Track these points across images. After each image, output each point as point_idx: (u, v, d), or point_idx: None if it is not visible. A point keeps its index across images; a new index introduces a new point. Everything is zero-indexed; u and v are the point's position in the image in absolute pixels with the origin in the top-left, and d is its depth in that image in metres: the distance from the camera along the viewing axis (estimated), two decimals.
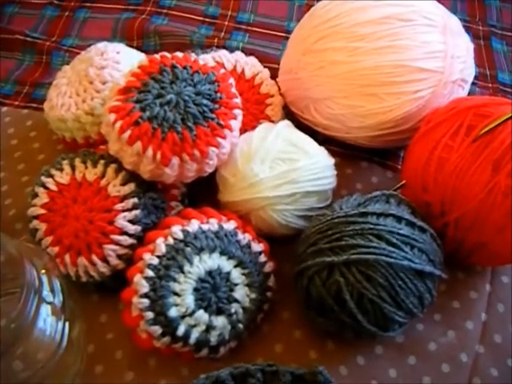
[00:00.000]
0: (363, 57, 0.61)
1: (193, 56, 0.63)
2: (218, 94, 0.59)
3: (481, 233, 0.55)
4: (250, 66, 0.70)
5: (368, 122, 0.63)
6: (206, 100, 0.58)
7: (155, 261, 0.54)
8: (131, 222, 0.58)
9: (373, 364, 0.58)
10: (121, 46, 0.71)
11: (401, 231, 0.53)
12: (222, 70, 0.62)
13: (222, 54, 0.70)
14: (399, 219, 0.54)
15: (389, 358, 0.58)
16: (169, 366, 0.58)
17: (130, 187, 0.59)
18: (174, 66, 0.59)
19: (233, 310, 0.55)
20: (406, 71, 0.61)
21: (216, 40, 0.82)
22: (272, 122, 0.68)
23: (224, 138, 0.58)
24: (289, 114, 0.71)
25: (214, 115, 0.58)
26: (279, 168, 0.59)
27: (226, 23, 0.87)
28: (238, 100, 0.61)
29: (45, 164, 0.71)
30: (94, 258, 0.57)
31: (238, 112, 0.60)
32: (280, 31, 0.87)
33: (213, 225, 0.57)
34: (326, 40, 0.63)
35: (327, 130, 0.67)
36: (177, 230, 0.56)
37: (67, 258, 0.58)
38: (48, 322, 0.51)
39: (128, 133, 0.56)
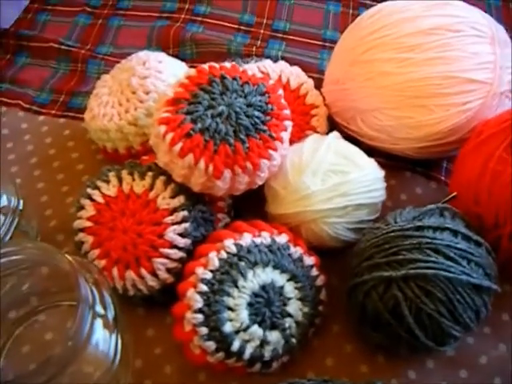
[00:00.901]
0: (412, 68, 0.61)
1: (239, 66, 0.63)
2: (269, 106, 0.59)
3: None
4: (295, 76, 0.70)
5: (416, 133, 0.63)
6: (257, 112, 0.58)
7: (209, 275, 0.54)
8: (181, 235, 0.58)
9: (424, 378, 0.57)
10: (162, 56, 0.71)
11: (458, 245, 0.52)
12: (271, 81, 0.62)
13: (267, 64, 0.70)
14: (455, 233, 0.54)
15: (440, 371, 0.58)
16: (219, 381, 0.57)
17: (180, 200, 0.58)
18: (223, 77, 0.59)
19: (287, 325, 0.55)
20: (456, 82, 0.60)
21: (254, 49, 0.82)
22: (317, 132, 0.68)
23: (275, 150, 0.58)
24: (333, 124, 0.70)
25: (265, 127, 0.58)
26: (331, 181, 0.59)
27: (262, 31, 0.87)
28: (288, 111, 0.60)
29: (85, 174, 0.72)
30: (143, 271, 0.57)
31: (289, 123, 0.60)
32: (316, 39, 0.86)
33: (265, 238, 0.57)
34: (374, 51, 0.63)
35: (372, 140, 0.67)
36: (230, 243, 0.55)
37: (115, 271, 0.58)
38: (101, 337, 0.50)
39: (180, 145, 0.56)
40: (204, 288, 0.53)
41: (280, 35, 0.87)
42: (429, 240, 0.52)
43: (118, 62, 0.73)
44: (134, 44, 0.85)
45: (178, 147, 0.56)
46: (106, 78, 0.72)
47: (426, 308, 0.51)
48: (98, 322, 0.50)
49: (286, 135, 0.59)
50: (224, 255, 0.55)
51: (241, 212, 0.65)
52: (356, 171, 0.59)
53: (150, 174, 0.60)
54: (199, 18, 0.89)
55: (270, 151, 0.58)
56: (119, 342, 0.52)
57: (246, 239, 0.56)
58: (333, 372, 0.57)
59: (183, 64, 0.73)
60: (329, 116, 0.70)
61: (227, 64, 0.62)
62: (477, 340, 0.59)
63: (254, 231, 0.57)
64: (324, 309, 0.59)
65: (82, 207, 0.61)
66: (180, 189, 0.59)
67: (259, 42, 0.85)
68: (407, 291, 0.51)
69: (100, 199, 0.60)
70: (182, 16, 0.89)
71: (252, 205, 0.64)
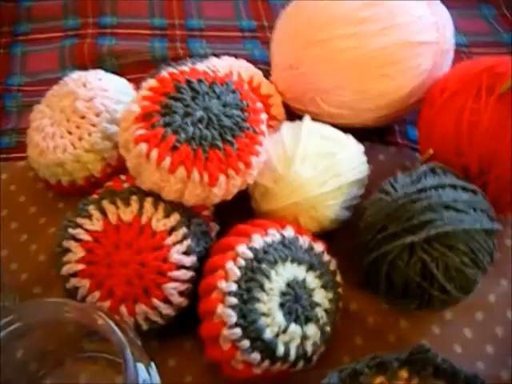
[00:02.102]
0: (368, 40, 0.62)
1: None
2: (244, 102, 0.57)
3: None
4: (245, 69, 0.69)
5: (379, 102, 0.65)
6: (235, 110, 0.56)
7: (234, 286, 0.51)
8: (185, 253, 0.55)
9: (448, 330, 0.60)
10: (100, 73, 0.67)
11: (462, 197, 0.55)
12: (234, 77, 0.60)
13: (214, 63, 0.68)
14: (454, 187, 0.56)
15: (459, 320, 0.60)
16: None
17: (176, 218, 0.55)
18: (189, 81, 0.56)
19: (319, 315, 0.54)
20: (409, 47, 0.63)
21: (180, 51, 0.79)
22: (278, 121, 0.67)
23: (261, 145, 0.57)
24: (287, 110, 0.71)
25: (248, 124, 0.56)
26: (321, 164, 0.59)
27: (178, 32, 0.84)
28: (260, 104, 0.59)
29: (40, 217, 0.66)
30: (155, 301, 0.53)
31: (265, 116, 0.59)
32: (235, 31, 0.86)
33: (274, 235, 0.55)
34: (326, 30, 0.63)
35: (332, 118, 0.67)
36: (244, 249, 0.53)
37: (123, 309, 0.53)
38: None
39: (168, 160, 0.52)
40: (234, 301, 0.51)
41: (197, 33, 0.85)
42: (437, 199, 0.54)
43: (37, 91, 0.68)
44: (46, 68, 0.79)
45: (167, 162, 0.53)
46: (40, 108, 0.66)
47: (453, 263, 0.53)
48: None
49: (264, 128, 0.58)
50: (242, 262, 0.53)
51: (223, 217, 0.63)
52: (342, 150, 0.60)
53: (134, 197, 0.56)
54: (108, 30, 0.84)
55: (257, 147, 0.56)
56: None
57: (258, 241, 0.54)
58: (365, 349, 0.58)
59: (120, 78, 0.68)
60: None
61: (185, 67, 0.59)
62: (482, 281, 0.61)
63: (260, 231, 0.56)
64: (342, 291, 0.59)
65: (66, 250, 0.55)
66: (172, 206, 0.56)
67: (179, 44, 0.83)
68: (432, 251, 0.53)
69: (87, 237, 0.55)
70: (90, 31, 0.84)
71: (231, 207, 0.62)
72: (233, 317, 0.50)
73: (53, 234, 0.64)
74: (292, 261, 0.55)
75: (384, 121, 0.69)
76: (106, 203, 0.56)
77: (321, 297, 0.55)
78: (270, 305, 0.52)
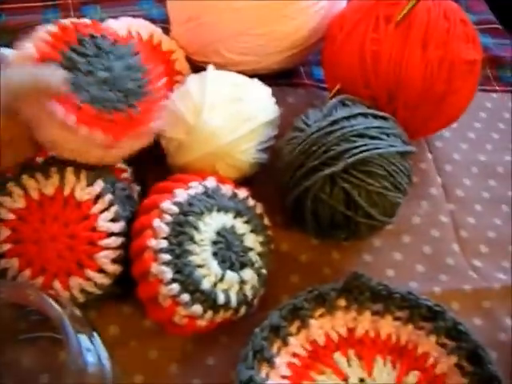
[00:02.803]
0: None
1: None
2: (145, 66, 0.57)
3: (427, 106, 0.61)
4: (143, 27, 0.67)
5: (284, 44, 0.67)
6: (137, 73, 0.55)
7: (164, 243, 0.51)
8: (113, 220, 0.54)
9: (378, 256, 0.62)
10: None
11: (374, 124, 0.57)
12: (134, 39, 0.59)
13: (111, 23, 0.66)
14: (365, 115, 0.58)
15: (388, 245, 0.63)
16: (209, 344, 0.55)
17: (100, 185, 0.54)
18: (92, 36, 0.54)
19: (253, 259, 0.55)
20: None
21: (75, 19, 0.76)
22: (183, 75, 0.67)
23: (161, 108, 0.57)
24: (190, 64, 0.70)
25: (149, 88, 0.56)
26: (230, 111, 0.59)
27: (70, 1, 0.81)
28: (159, 68, 0.60)
29: None
30: (89, 272, 0.52)
31: (163, 80, 0.59)
32: None
33: (196, 187, 0.55)
34: None
35: (236, 66, 0.68)
36: (168, 205, 0.53)
37: (56, 284, 0.52)
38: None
39: (73, 118, 0.50)
40: (167, 257, 0.51)
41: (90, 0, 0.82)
42: (350, 129, 0.56)
43: None
44: None
45: (71, 120, 0.49)
46: None
47: (373, 188, 0.55)
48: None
49: (163, 92, 0.58)
50: (169, 218, 0.52)
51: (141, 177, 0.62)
52: (249, 94, 0.61)
53: (53, 169, 0.54)
54: None
55: (158, 110, 0.56)
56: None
57: (181, 195, 0.54)
58: (302, 286, 0.57)
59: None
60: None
61: (86, 20, 0.56)
62: (405, 205, 0.63)
63: (182, 186, 0.55)
64: (271, 233, 0.59)
65: (9, 194, 0.53)
66: (94, 173, 0.54)
67: (72, 13, 0.80)
68: (352, 179, 0.54)
69: (10, 216, 0.53)
70: None
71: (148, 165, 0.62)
72: (168, 273, 0.50)
73: None
74: (218, 210, 0.55)
75: (289, 62, 0.70)
76: (25, 178, 0.54)
77: (252, 241, 0.56)
78: (203, 255, 0.52)
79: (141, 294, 0.52)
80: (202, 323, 0.52)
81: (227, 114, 0.58)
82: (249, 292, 0.53)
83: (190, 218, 0.52)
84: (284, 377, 0.51)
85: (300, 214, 0.58)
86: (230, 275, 0.52)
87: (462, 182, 0.68)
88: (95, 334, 0.49)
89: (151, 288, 0.51)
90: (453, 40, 0.60)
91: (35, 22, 0.76)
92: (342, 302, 0.54)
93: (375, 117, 0.58)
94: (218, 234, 0.54)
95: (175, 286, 0.50)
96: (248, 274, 0.54)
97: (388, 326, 0.54)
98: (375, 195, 0.55)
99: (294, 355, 0.52)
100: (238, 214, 0.56)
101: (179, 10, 0.68)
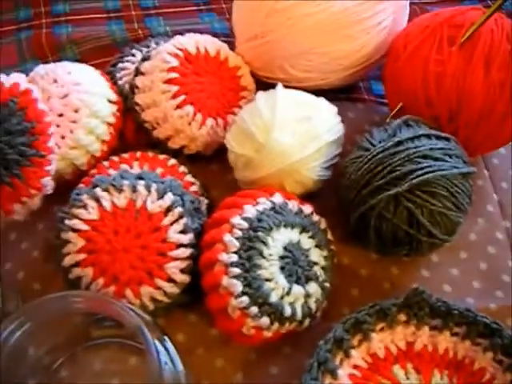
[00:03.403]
0: (329, 3, 0.64)
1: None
2: (29, 123, 0.57)
3: (488, 126, 0.62)
4: (210, 43, 0.69)
5: (346, 63, 0.68)
6: (20, 137, 0.56)
7: (235, 257, 0.53)
8: (183, 232, 0.56)
9: (436, 271, 0.63)
10: (68, 65, 0.66)
11: (437, 146, 0.58)
12: (24, 84, 0.59)
13: (181, 40, 0.68)
14: (429, 137, 0.59)
15: (445, 261, 0.64)
16: (272, 353, 0.58)
17: (169, 197, 0.56)
18: None
19: (318, 273, 0.57)
20: (369, 6, 0.65)
21: (140, 31, 0.79)
22: (248, 91, 0.70)
23: (50, 163, 0.59)
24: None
25: (34, 149, 0.57)
26: (299, 129, 0.60)
27: (133, 12, 0.84)
28: (48, 117, 0.59)
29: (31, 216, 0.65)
30: (159, 281, 0.55)
31: (52, 129, 0.59)
32: (190, 6, 0.86)
33: (264, 203, 0.57)
34: None
35: (301, 82, 0.69)
36: (238, 220, 0.55)
37: (128, 292, 0.55)
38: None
39: None
40: (237, 271, 0.53)
41: (153, 11, 0.84)
42: (414, 150, 0.57)
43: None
44: (6, 64, 0.76)
45: None
46: None
47: (436, 208, 0.56)
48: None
49: (53, 142, 0.59)
50: (239, 233, 0.54)
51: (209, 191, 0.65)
52: (317, 113, 0.62)
53: (126, 182, 0.57)
54: (62, 18, 0.83)
55: (46, 167, 0.58)
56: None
57: (250, 210, 0.56)
58: (362, 300, 0.60)
59: (87, 67, 0.68)
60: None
61: None
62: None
63: (251, 201, 0.57)
64: (334, 247, 0.61)
65: (66, 242, 0.56)
66: (164, 186, 0.57)
67: (136, 24, 0.82)
68: (416, 199, 0.56)
69: (85, 227, 0.56)
70: (43, 20, 0.82)
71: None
72: (238, 286, 0.52)
73: (42, 229, 0.65)
74: (285, 225, 0.57)
75: (350, 79, 0.71)
76: (99, 191, 0.57)
77: (317, 255, 0.58)
78: (271, 269, 0.54)
79: (210, 305, 0.54)
80: (268, 334, 0.54)
81: (296, 133, 0.60)
82: (313, 305, 0.55)
83: (260, 234, 0.55)
84: None
85: (363, 231, 0.59)
86: (297, 289, 0.54)
87: None
88: (166, 338, 0.51)
89: (221, 300, 0.53)
90: None
91: (100, 34, 0.80)
92: (402, 317, 0.55)
93: (438, 138, 0.59)
94: (285, 248, 0.56)
95: (245, 299, 0.52)
96: (313, 287, 0.56)
97: (446, 341, 0.55)
98: (437, 215, 0.56)
99: (355, 367, 0.53)
100: (303, 230, 0.58)
101: (245, 27, 0.70)
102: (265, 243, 0.55)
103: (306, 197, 0.63)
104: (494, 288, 0.63)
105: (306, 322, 0.56)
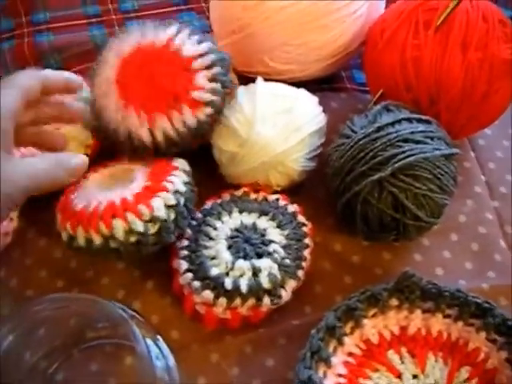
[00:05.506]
0: None
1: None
2: None
3: (469, 107, 0.62)
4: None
5: (323, 53, 0.68)
6: None
7: (186, 242, 0.59)
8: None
9: (428, 255, 0.63)
10: None
11: (418, 129, 0.58)
12: None
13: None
14: (409, 120, 0.59)
15: (436, 244, 0.64)
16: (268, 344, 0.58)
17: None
18: None
19: (272, 249, 0.58)
20: None
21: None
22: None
23: None
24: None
25: None
26: (280, 122, 0.61)
27: (114, 16, 0.85)
28: None
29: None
30: (185, 108, 0.58)
31: None
32: (169, 6, 0.87)
33: (225, 197, 0.63)
34: None
35: (282, 74, 0.70)
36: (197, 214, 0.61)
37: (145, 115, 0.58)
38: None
39: None
40: (184, 252, 0.58)
41: (133, 15, 0.85)
42: (395, 134, 0.57)
43: None
44: None
45: None
46: None
47: (420, 191, 0.56)
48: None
49: None
50: (194, 222, 0.60)
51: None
52: (297, 105, 0.62)
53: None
54: (43, 26, 0.84)
55: None
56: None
57: (210, 204, 0.62)
58: (355, 287, 0.58)
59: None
60: None
61: None
62: (451, 204, 0.63)
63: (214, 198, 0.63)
64: (309, 230, 0.61)
65: (105, 61, 0.61)
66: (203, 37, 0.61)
67: (117, 28, 0.83)
68: (400, 183, 0.56)
69: (124, 50, 0.60)
70: (25, 30, 0.83)
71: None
72: (184, 265, 0.57)
73: (32, 237, 0.65)
74: (240, 211, 0.61)
75: (331, 69, 0.72)
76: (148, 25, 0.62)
77: (275, 235, 0.59)
78: (217, 247, 0.57)
79: (173, 290, 0.59)
80: (218, 310, 0.55)
81: (278, 125, 0.61)
82: (264, 279, 0.55)
83: (208, 219, 0.60)
84: (340, 375, 0.52)
85: (350, 218, 0.60)
86: (241, 263, 0.56)
87: (505, 178, 0.69)
88: (160, 338, 0.52)
89: (176, 281, 0.58)
90: (492, 41, 0.61)
91: (82, 39, 0.80)
92: (394, 302, 0.55)
93: (419, 121, 0.59)
94: (237, 230, 0.59)
95: (189, 275, 0.56)
96: (264, 262, 0.56)
97: (439, 324, 0.55)
98: (422, 198, 0.56)
99: (350, 354, 0.54)
100: (262, 213, 0.61)
101: (223, 24, 0.71)
102: (213, 227, 0.59)
103: (294, 188, 0.64)
104: (486, 268, 0.62)
105: (266, 300, 0.55)
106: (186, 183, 0.58)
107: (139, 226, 0.54)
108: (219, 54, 0.60)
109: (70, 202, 0.57)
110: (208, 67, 0.59)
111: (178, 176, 0.58)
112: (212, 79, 0.59)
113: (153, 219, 0.54)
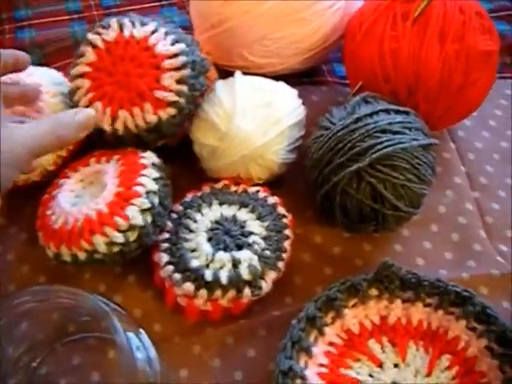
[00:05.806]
0: None
1: None
2: None
3: (447, 98, 0.63)
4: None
5: (302, 46, 0.69)
6: None
7: (166, 235, 0.59)
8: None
9: (408, 246, 0.64)
10: (30, 67, 0.66)
11: (396, 120, 0.58)
12: None
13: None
14: (387, 111, 0.59)
15: (417, 234, 0.64)
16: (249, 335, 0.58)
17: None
18: None
19: (252, 241, 0.58)
20: None
21: None
22: (211, 81, 0.68)
23: None
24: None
25: None
26: (259, 115, 0.61)
27: (95, 12, 0.85)
28: None
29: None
30: (147, 105, 0.59)
31: None
32: (148, 1, 0.87)
33: (206, 190, 0.63)
34: None
35: (261, 68, 0.71)
36: (177, 207, 0.62)
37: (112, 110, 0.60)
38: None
39: None
40: (165, 245, 0.59)
41: (114, 10, 0.86)
42: (373, 125, 0.57)
43: None
44: None
45: None
46: None
47: (398, 181, 0.56)
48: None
49: None
50: (174, 216, 0.61)
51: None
52: (276, 97, 0.63)
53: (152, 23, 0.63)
54: (25, 23, 0.84)
55: None
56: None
57: (190, 196, 0.63)
58: (335, 278, 0.58)
59: (49, 69, 0.68)
60: None
61: None
62: (430, 195, 0.63)
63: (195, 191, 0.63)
64: (289, 221, 0.62)
65: (82, 54, 0.62)
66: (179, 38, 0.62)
67: (97, 23, 0.82)
68: (378, 174, 0.56)
69: (100, 44, 0.62)
70: (6, 26, 0.83)
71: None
72: (165, 258, 0.58)
73: (14, 232, 0.65)
74: (220, 203, 0.61)
75: (311, 62, 0.72)
76: (126, 20, 0.63)
77: (255, 226, 0.59)
78: (197, 240, 0.58)
79: (155, 283, 0.59)
80: (199, 302, 0.55)
81: (257, 118, 0.61)
82: (244, 270, 0.56)
83: (188, 211, 0.60)
84: (321, 365, 0.53)
85: (330, 209, 0.60)
86: (221, 255, 0.56)
87: (485, 169, 0.70)
88: (142, 331, 0.52)
89: (157, 275, 0.58)
90: (469, 33, 0.61)
91: (63, 35, 0.81)
92: (374, 292, 0.56)
93: (397, 112, 0.60)
94: (217, 222, 0.59)
95: (169, 268, 0.57)
96: (244, 253, 0.57)
97: (419, 313, 0.55)
98: (400, 188, 0.57)
99: (331, 344, 0.54)
100: (242, 205, 0.61)
101: (202, 18, 0.71)
102: (193, 219, 0.60)
103: (275, 181, 0.64)
104: (466, 258, 0.63)
105: (247, 291, 0.56)
106: (157, 180, 0.58)
107: (119, 238, 0.55)
108: (193, 56, 0.61)
109: (47, 220, 0.58)
110: (177, 68, 0.60)
111: (148, 175, 0.58)
112: (179, 81, 0.60)
113: (131, 228, 0.55)
